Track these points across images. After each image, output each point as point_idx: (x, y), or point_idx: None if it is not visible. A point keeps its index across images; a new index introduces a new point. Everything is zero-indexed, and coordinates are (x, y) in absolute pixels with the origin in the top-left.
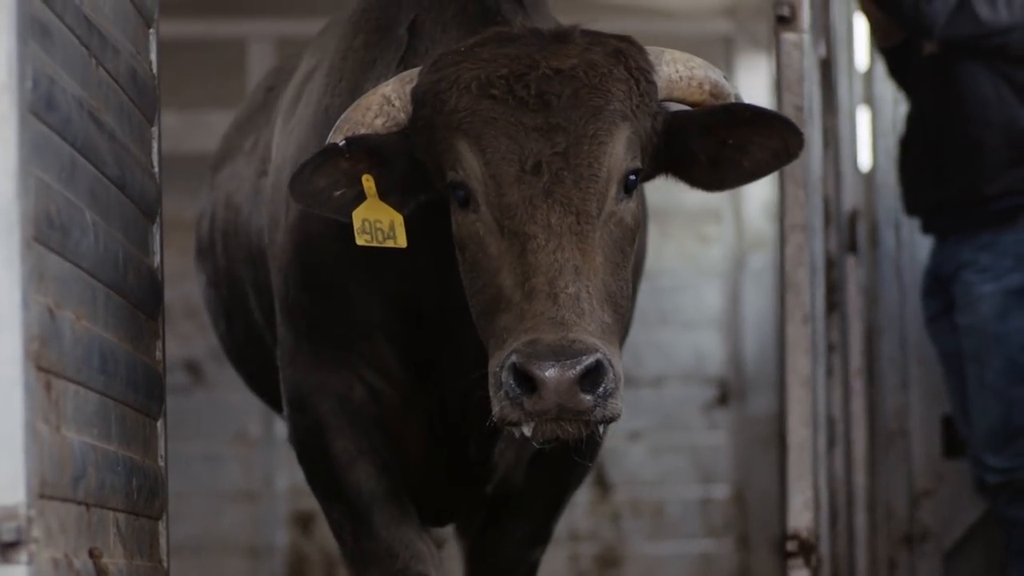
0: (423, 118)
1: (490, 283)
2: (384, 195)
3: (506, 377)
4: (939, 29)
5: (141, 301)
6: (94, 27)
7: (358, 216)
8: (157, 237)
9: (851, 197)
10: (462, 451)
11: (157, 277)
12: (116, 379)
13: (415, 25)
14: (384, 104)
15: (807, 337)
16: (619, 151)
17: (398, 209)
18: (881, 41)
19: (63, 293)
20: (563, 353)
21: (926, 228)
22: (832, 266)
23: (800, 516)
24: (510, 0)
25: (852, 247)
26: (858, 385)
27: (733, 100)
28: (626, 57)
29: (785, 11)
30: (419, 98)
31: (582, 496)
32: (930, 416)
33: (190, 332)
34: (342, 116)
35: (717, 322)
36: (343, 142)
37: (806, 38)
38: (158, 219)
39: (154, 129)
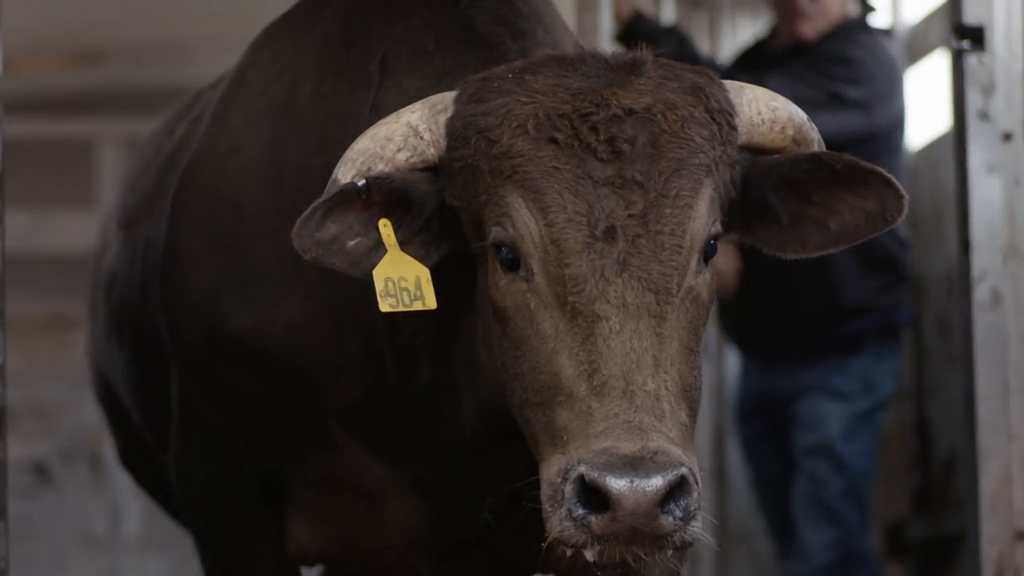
0: (462, 159)
1: (542, 368)
2: (403, 244)
3: (571, 492)
4: None
5: None
6: None
7: (380, 276)
8: (0, 337)
9: None
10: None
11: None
12: None
13: (387, 59)
14: (410, 135)
15: None
16: (703, 214)
17: (421, 261)
18: None
19: None
20: (643, 467)
21: (754, 351)
22: None
23: None
24: (500, 23)
25: None
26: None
27: (816, 145)
28: (707, 95)
29: None
30: (457, 133)
31: None
32: None
33: (36, 432)
34: (354, 147)
35: None
36: (362, 181)
37: None
38: (1, 319)
39: None
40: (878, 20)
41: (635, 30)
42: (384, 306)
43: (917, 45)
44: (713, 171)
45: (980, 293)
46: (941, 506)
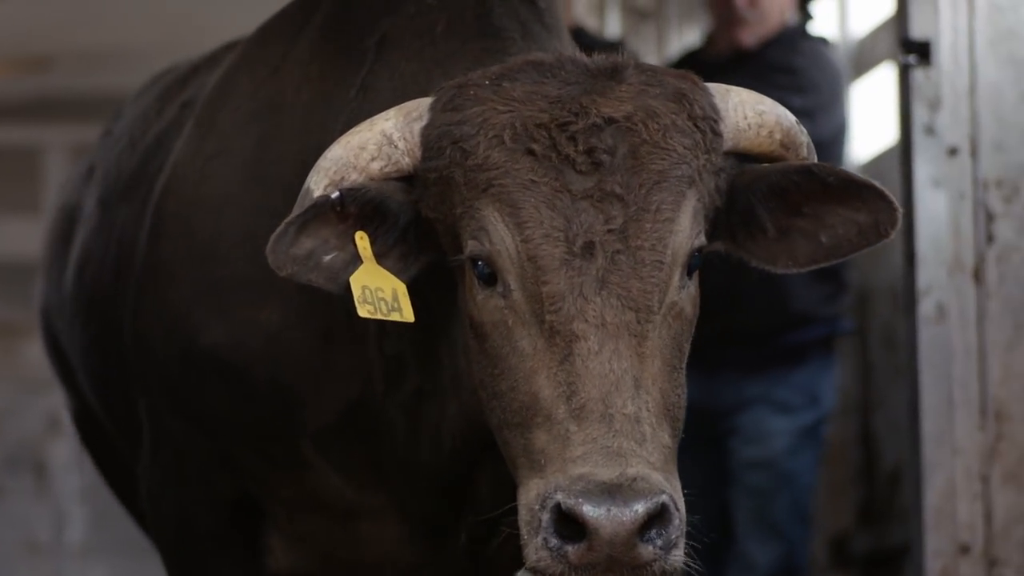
0: (437, 170)
1: (520, 388)
2: (380, 256)
3: (547, 520)
4: None
5: None
6: None
7: (357, 283)
8: None
9: None
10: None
11: None
12: None
13: (387, 36)
14: (384, 144)
15: None
16: (685, 227)
17: (398, 275)
18: None
19: None
20: (621, 494)
21: (695, 361)
22: None
23: None
24: (515, 20)
25: None
26: None
27: (805, 149)
28: (690, 102)
29: None
30: (432, 143)
31: None
32: None
33: None
34: (326, 156)
35: None
36: (337, 194)
37: None
38: None
39: None
40: (818, 29)
41: (576, 43)
42: (363, 312)
43: (864, 58)
44: (697, 181)
45: (925, 307)
46: (885, 519)
